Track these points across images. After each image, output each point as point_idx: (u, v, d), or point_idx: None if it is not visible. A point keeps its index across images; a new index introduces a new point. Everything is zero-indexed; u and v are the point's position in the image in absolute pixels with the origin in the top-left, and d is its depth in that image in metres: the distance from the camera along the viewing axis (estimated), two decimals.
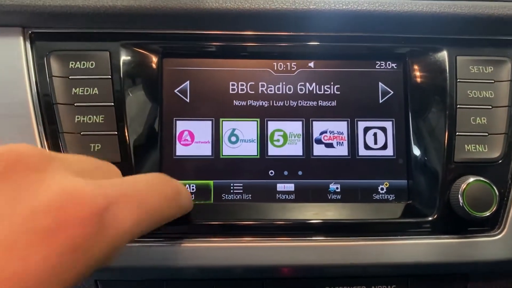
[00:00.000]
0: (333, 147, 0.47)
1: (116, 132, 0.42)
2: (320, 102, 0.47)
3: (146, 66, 0.45)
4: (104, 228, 0.25)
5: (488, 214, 0.41)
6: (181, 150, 0.46)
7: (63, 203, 0.23)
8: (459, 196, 0.42)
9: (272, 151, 0.46)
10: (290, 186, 0.46)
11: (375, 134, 0.47)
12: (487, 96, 0.45)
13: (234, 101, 0.47)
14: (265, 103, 0.47)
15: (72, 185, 0.24)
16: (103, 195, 0.25)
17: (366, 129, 0.47)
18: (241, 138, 0.46)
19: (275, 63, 0.47)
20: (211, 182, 0.46)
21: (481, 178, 0.42)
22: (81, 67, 0.44)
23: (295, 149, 0.47)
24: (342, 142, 0.47)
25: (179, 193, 0.35)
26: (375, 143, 0.47)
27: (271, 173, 0.46)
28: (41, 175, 0.24)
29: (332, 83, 0.47)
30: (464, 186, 0.42)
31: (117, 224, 0.26)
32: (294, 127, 0.47)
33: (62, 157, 0.29)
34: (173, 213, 0.34)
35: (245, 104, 0.47)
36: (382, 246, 0.43)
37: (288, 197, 0.46)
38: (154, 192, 0.31)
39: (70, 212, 0.23)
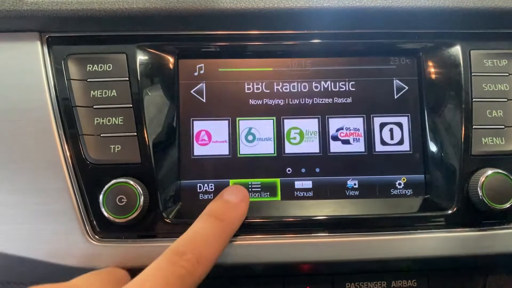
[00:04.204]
0: (350, 143, 0.47)
1: (135, 133, 0.43)
2: (336, 99, 0.47)
3: (162, 68, 0.46)
4: None
5: (508, 206, 0.41)
6: (199, 150, 0.46)
7: None
8: (478, 188, 0.42)
9: (289, 149, 0.47)
10: (308, 184, 0.46)
11: (391, 130, 0.47)
12: (502, 89, 0.46)
13: (250, 100, 0.47)
14: (281, 101, 0.47)
15: None
16: None
17: (382, 125, 0.47)
18: (258, 137, 0.47)
19: (290, 62, 0.48)
20: (229, 181, 0.46)
21: (500, 170, 0.42)
22: (99, 70, 0.44)
23: (312, 146, 0.47)
24: (359, 138, 0.47)
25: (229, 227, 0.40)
26: (392, 138, 0.47)
27: (289, 170, 0.46)
28: None
29: (347, 80, 0.48)
30: (483, 179, 0.42)
31: None
32: (311, 125, 0.47)
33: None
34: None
35: (261, 103, 0.47)
36: (402, 241, 0.43)
37: (306, 194, 0.46)
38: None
39: None
